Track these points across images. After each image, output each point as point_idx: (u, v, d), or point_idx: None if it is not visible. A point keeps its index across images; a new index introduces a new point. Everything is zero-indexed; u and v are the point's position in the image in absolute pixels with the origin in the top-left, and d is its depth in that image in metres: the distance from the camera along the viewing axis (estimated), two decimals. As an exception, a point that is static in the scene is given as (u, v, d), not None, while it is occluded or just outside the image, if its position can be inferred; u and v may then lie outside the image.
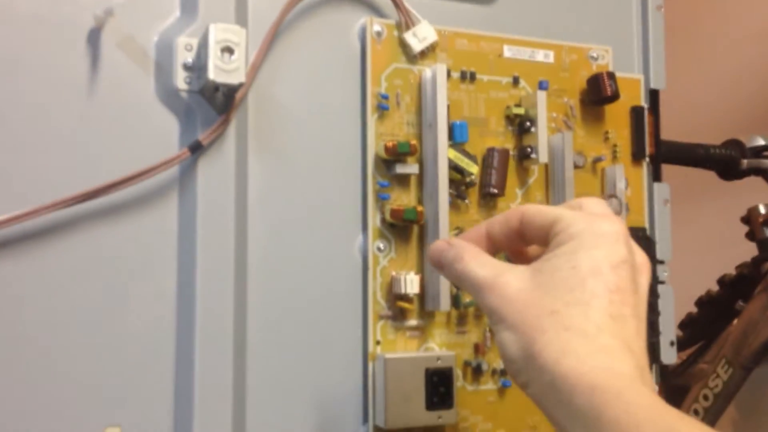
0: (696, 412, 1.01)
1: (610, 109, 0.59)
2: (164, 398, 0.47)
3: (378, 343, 0.52)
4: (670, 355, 0.59)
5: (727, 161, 0.87)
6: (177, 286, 0.48)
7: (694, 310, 1.08)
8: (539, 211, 0.38)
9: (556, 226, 0.36)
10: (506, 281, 0.36)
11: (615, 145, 0.59)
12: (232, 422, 0.48)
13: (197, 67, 0.48)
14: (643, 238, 0.59)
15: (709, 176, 0.92)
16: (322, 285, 0.51)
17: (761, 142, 0.88)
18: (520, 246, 0.41)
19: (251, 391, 0.49)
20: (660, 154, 0.61)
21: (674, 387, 1.03)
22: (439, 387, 0.51)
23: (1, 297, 0.44)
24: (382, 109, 0.53)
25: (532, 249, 0.41)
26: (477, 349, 0.54)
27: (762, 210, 0.96)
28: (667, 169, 0.63)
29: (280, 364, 0.50)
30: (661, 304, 0.59)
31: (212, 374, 0.47)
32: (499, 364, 0.54)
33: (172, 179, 0.48)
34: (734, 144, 0.88)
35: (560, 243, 0.35)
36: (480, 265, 0.37)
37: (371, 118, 0.53)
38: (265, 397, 0.49)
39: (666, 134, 0.65)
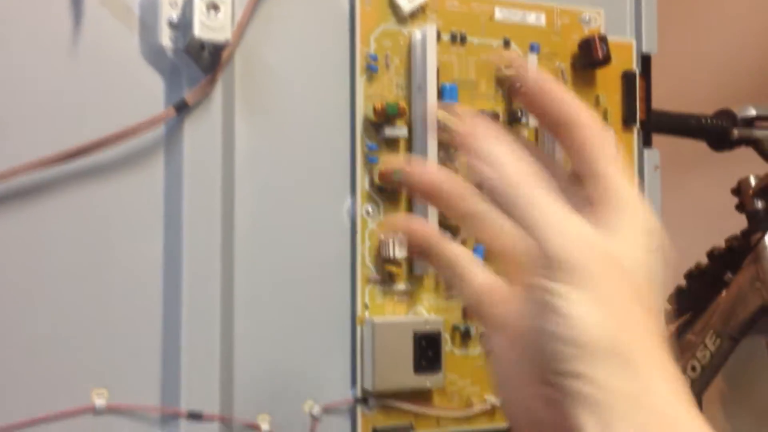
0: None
1: (601, 73, 0.59)
2: (151, 360, 0.47)
3: (366, 307, 0.51)
4: (658, 321, 0.59)
5: (719, 132, 0.87)
6: (163, 248, 0.47)
7: (684, 283, 1.08)
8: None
9: None
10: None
11: (606, 110, 0.59)
12: (220, 385, 0.48)
13: (182, 25, 0.47)
14: (633, 204, 0.59)
15: (700, 147, 0.92)
16: (310, 248, 0.51)
17: (753, 112, 0.88)
18: None
19: (239, 354, 0.48)
20: (651, 119, 0.61)
21: (663, 358, 1.04)
22: (427, 351, 0.51)
23: (-17, 257, 0.44)
24: (371, 71, 0.52)
25: None
26: (465, 313, 0.54)
27: (752, 181, 0.96)
28: (656, 140, 0.63)
29: (267, 327, 0.49)
30: (651, 269, 0.58)
31: (199, 337, 0.47)
32: (487, 329, 0.54)
33: (158, 139, 0.48)
34: (726, 114, 0.88)
35: None
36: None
37: (360, 80, 0.52)
38: (252, 360, 0.49)
39: (657, 104, 0.65)
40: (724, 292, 1.01)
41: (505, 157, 0.29)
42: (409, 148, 0.53)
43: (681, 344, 1.05)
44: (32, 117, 0.45)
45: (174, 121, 0.48)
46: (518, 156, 0.29)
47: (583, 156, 0.31)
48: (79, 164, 0.45)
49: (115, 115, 0.46)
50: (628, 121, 0.60)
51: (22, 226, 0.44)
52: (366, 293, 0.51)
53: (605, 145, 0.31)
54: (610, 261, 0.27)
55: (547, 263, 0.27)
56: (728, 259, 1.02)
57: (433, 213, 0.51)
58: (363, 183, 0.52)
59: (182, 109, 0.47)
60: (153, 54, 0.48)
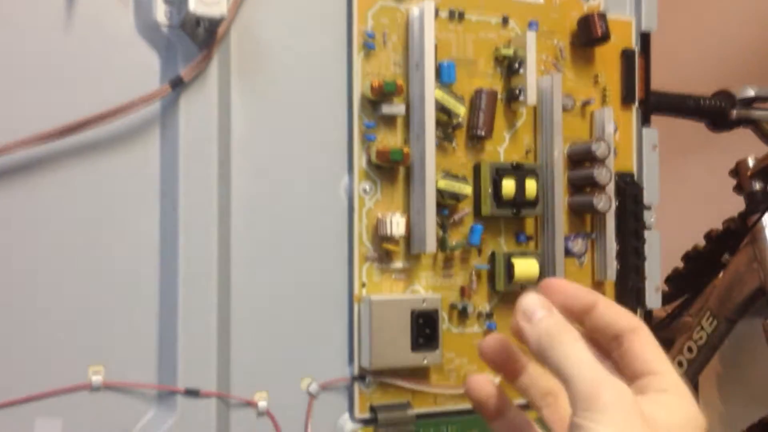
0: (680, 364, 1.02)
1: (600, 51, 0.58)
2: (148, 337, 0.47)
3: (364, 285, 0.51)
4: (654, 300, 0.59)
5: (717, 112, 0.87)
6: (159, 225, 0.47)
7: (681, 265, 1.08)
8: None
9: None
10: None
11: (604, 89, 0.59)
12: (217, 362, 0.48)
13: (178, 0, 0.47)
14: (630, 183, 0.59)
15: (699, 130, 0.92)
16: (307, 226, 0.51)
17: (752, 93, 0.88)
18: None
19: (236, 331, 0.48)
20: (650, 97, 0.61)
21: (659, 339, 1.04)
22: (424, 329, 0.51)
23: (-22, 234, 0.44)
24: (368, 48, 0.52)
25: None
26: (463, 291, 0.54)
27: (751, 163, 0.96)
28: (656, 122, 0.63)
29: (264, 306, 0.49)
30: (648, 249, 0.58)
31: (196, 314, 0.47)
32: (484, 307, 0.54)
33: (153, 116, 0.47)
34: (724, 95, 0.88)
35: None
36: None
37: (357, 57, 0.52)
38: (250, 337, 0.49)
39: (656, 85, 0.65)
40: (721, 274, 1.01)
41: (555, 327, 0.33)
42: (407, 126, 0.52)
43: (678, 325, 1.05)
44: (26, 93, 0.45)
45: (169, 97, 0.47)
46: (561, 322, 0.33)
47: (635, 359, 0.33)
48: (73, 140, 0.45)
49: (110, 92, 0.46)
50: (626, 99, 0.59)
51: (15, 203, 0.44)
52: (363, 271, 0.51)
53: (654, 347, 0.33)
54: (637, 410, 0.30)
55: (579, 405, 0.30)
56: (726, 241, 1.02)
57: (431, 195, 0.51)
58: (360, 161, 0.51)
59: (178, 85, 0.47)
60: (148, 30, 0.47)
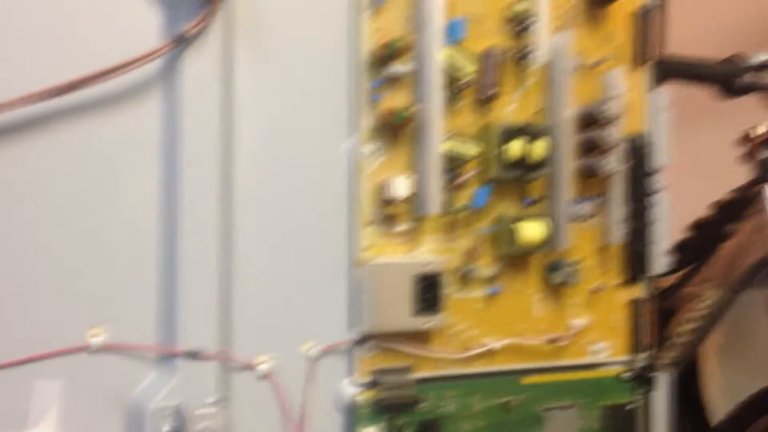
0: (682, 334, 1.02)
1: (614, 9, 0.57)
2: (148, 299, 0.46)
3: (366, 248, 0.50)
4: (661, 264, 0.58)
5: (728, 78, 0.85)
6: (160, 186, 0.46)
7: (688, 234, 1.07)
8: None
9: None
10: None
11: (617, 48, 0.57)
12: (218, 325, 0.47)
13: (178, -48, 0.45)
14: (640, 145, 0.57)
15: (711, 97, 0.90)
16: (310, 188, 0.50)
17: (764, 57, 0.86)
18: None
19: (237, 294, 0.48)
20: (665, 56, 0.59)
21: (662, 309, 1.04)
22: (426, 293, 0.50)
23: (-26, 191, 0.43)
24: (377, 4, 0.50)
25: None
26: (467, 255, 0.53)
27: (760, 131, 0.94)
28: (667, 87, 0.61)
29: (266, 269, 0.48)
30: (656, 212, 0.58)
31: (197, 276, 0.46)
32: (489, 271, 0.53)
33: (155, 73, 0.46)
34: (735, 60, 0.86)
35: None
36: None
37: (364, 14, 0.50)
38: (251, 300, 0.48)
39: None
40: (726, 243, 1.00)
41: None
42: (414, 85, 0.51)
43: (681, 295, 1.05)
44: (25, 50, 0.43)
45: (171, 55, 0.46)
46: None
47: None
48: (73, 98, 0.44)
49: (110, 49, 0.44)
50: (639, 60, 0.58)
51: (14, 162, 0.43)
52: (366, 234, 0.50)
53: None
54: None
55: None
56: (733, 209, 1.01)
57: (436, 156, 0.50)
58: (365, 121, 0.50)
59: (180, 42, 0.45)
60: (147, -18, 0.46)
